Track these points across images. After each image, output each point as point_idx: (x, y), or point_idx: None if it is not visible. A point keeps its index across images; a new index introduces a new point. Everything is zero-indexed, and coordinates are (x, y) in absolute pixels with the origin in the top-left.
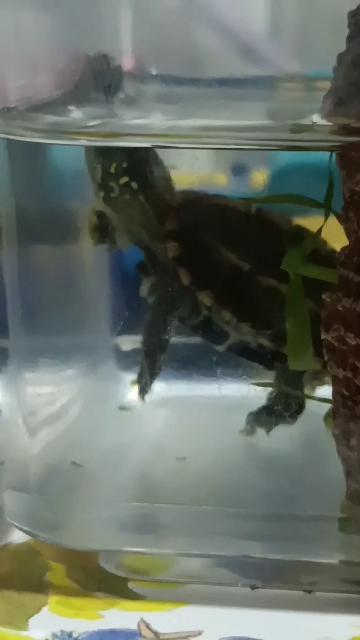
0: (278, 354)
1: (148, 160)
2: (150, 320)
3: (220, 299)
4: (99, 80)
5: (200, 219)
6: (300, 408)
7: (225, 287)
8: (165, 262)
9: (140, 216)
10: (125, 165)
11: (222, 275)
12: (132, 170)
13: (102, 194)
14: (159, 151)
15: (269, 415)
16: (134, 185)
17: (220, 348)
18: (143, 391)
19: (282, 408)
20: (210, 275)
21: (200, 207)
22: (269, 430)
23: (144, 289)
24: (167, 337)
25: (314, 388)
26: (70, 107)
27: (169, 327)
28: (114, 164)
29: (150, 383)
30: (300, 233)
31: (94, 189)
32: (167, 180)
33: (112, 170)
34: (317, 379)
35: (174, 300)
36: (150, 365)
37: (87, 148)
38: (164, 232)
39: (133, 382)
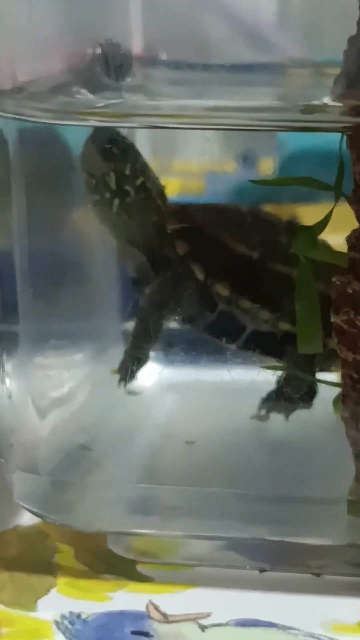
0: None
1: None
2: (146, 308)
3: (238, 288)
4: (109, 64)
5: (199, 219)
6: (313, 392)
7: (240, 276)
8: (173, 261)
9: (154, 215)
10: (138, 165)
11: (236, 265)
12: (145, 169)
13: (117, 201)
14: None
15: (284, 401)
16: (149, 184)
17: (233, 346)
18: (128, 379)
19: (291, 391)
20: (225, 266)
21: (195, 210)
22: (287, 416)
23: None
24: (161, 326)
25: None
26: (80, 90)
27: (164, 317)
28: (128, 165)
29: (136, 372)
30: (292, 225)
31: (105, 199)
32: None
33: (127, 172)
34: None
35: (171, 288)
36: (139, 353)
37: (90, 162)
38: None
39: (114, 372)
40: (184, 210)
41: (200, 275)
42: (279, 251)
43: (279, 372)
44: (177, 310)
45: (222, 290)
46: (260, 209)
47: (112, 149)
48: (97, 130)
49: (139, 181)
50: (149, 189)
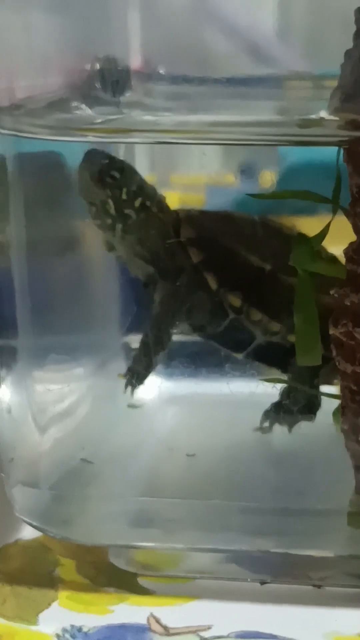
0: None
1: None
2: (158, 315)
3: (250, 299)
4: (107, 79)
5: (212, 227)
6: (316, 404)
7: (252, 287)
8: (184, 269)
9: (158, 229)
10: (134, 187)
11: (248, 275)
12: (142, 188)
13: (119, 226)
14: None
15: (287, 413)
16: (148, 202)
17: (239, 356)
18: (134, 385)
19: (291, 403)
20: (238, 276)
21: (207, 218)
22: (290, 428)
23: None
24: (171, 334)
25: None
26: (79, 106)
27: (175, 324)
28: (124, 190)
29: (144, 378)
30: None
31: (107, 225)
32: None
33: (124, 196)
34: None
35: (183, 295)
36: (147, 360)
37: (86, 191)
38: (180, 239)
39: (120, 375)
40: (197, 217)
41: (213, 284)
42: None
43: (283, 385)
44: (187, 317)
45: (234, 300)
46: (272, 219)
47: (105, 176)
48: (88, 156)
49: (137, 202)
50: (148, 207)
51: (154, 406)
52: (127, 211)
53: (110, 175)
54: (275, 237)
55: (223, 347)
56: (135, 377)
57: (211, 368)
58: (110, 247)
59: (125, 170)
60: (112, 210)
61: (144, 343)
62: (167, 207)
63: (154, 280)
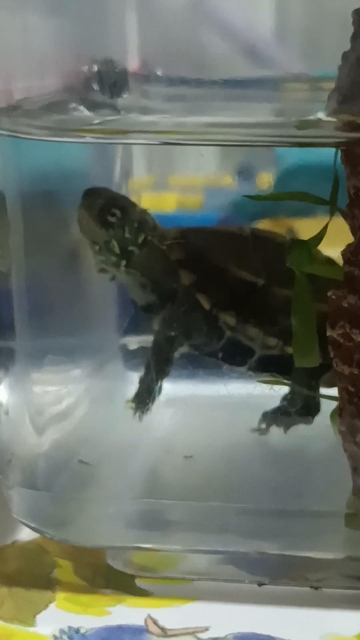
0: None
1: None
2: (158, 341)
3: (244, 316)
4: (104, 80)
5: (202, 246)
6: (314, 408)
7: (246, 304)
8: (180, 293)
9: (160, 260)
10: (136, 224)
11: (241, 292)
12: (144, 222)
13: (123, 263)
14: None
15: (285, 416)
16: (150, 235)
17: (243, 369)
18: (142, 411)
19: (288, 405)
20: (230, 294)
21: (198, 236)
22: (287, 429)
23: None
24: (172, 358)
25: None
26: (76, 107)
27: (176, 349)
28: (127, 228)
29: (150, 403)
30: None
31: (111, 262)
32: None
33: (127, 234)
34: None
35: (179, 318)
36: (151, 386)
37: (89, 231)
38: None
39: (129, 402)
40: (186, 237)
41: (206, 305)
42: (285, 273)
43: (286, 390)
44: (186, 338)
45: (228, 319)
46: (263, 230)
47: (107, 215)
48: (88, 195)
49: (140, 239)
50: (150, 241)
51: (151, 408)
52: (130, 248)
53: (111, 213)
54: (266, 249)
55: (225, 364)
56: (142, 402)
57: (208, 369)
58: (103, 270)
59: (126, 206)
60: (117, 249)
61: (146, 369)
62: (167, 235)
63: (155, 307)
